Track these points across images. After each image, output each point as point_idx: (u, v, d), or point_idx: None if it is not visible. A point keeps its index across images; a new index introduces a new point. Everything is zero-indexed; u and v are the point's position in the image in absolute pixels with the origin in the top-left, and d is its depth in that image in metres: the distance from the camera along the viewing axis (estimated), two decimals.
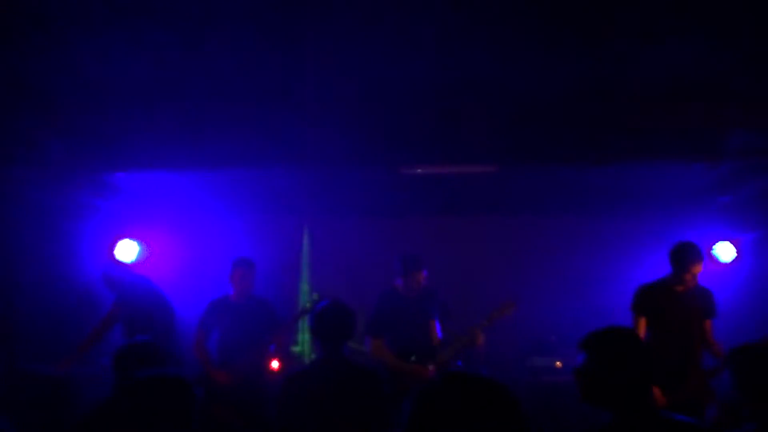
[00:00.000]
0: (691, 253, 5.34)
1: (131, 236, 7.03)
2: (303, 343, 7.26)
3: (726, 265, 6.99)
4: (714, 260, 6.99)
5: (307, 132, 5.71)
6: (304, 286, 7.79)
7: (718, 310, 5.49)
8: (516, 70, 5.26)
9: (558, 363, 6.74)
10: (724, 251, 6.98)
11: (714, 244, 7.01)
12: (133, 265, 6.88)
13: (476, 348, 5.70)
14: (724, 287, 6.84)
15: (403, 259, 5.82)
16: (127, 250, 6.93)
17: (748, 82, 5.43)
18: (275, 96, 5.65)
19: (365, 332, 5.80)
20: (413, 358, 5.59)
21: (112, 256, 6.87)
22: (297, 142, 5.75)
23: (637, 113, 5.66)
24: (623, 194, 6.95)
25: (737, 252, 6.97)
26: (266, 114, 5.71)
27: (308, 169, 6.15)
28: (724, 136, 5.68)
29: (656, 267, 5.80)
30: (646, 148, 5.73)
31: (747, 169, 6.17)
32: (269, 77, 5.41)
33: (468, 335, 5.66)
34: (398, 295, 5.88)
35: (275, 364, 6.55)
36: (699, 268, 5.34)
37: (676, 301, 5.42)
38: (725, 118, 5.65)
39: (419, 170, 6.22)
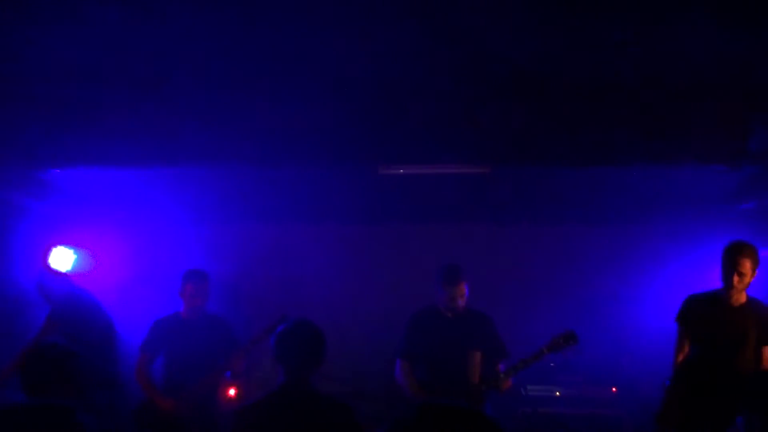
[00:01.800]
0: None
1: (69, 242, 6.79)
2: None
3: None
4: None
5: (276, 126, 5.58)
6: None
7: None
8: (516, 58, 5.11)
9: (557, 392, 6.56)
10: None
11: None
12: (71, 274, 6.58)
13: (500, 393, 5.49)
14: None
15: (441, 269, 5.61)
16: (62, 258, 6.66)
17: None
18: (241, 85, 5.46)
19: (395, 353, 5.65)
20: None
21: (47, 264, 6.56)
22: (265, 138, 5.62)
23: (648, 112, 5.55)
24: (633, 201, 6.76)
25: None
26: (229, 105, 5.54)
27: (278, 168, 6.01)
28: (745, 136, 5.54)
29: (669, 282, 5.74)
30: (658, 150, 5.61)
31: None
32: (235, 63, 5.21)
33: (493, 377, 5.44)
34: (437, 313, 5.65)
35: (232, 392, 6.40)
36: (749, 266, 5.05)
37: (730, 315, 5.13)
38: (746, 116, 5.53)
39: (401, 170, 6.06)
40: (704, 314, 5.22)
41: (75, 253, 6.82)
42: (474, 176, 6.30)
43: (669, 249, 6.39)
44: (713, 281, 6.43)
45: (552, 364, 6.65)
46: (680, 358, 5.29)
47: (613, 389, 6.35)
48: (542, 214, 7.23)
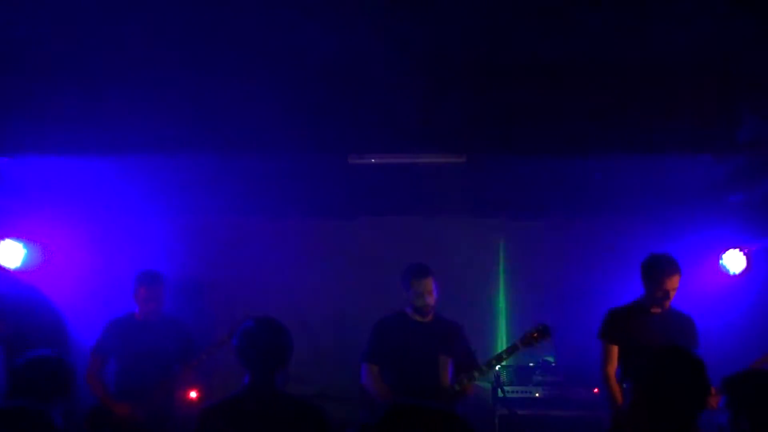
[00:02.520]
0: (664, 265, 5.30)
1: (15, 236, 6.60)
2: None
3: (735, 277, 6.75)
4: (722, 272, 6.74)
5: (239, 113, 5.47)
6: None
7: (699, 341, 5.36)
8: (499, 38, 5.07)
9: (537, 393, 6.45)
10: (734, 261, 6.74)
11: (722, 252, 6.76)
12: (18, 272, 6.52)
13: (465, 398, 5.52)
14: (733, 303, 6.66)
15: (407, 267, 5.62)
16: (9, 253, 6.52)
17: (761, 62, 5.29)
18: (201, 66, 5.34)
19: (361, 358, 5.64)
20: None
21: None
22: (226, 125, 5.51)
23: (633, 97, 5.49)
24: (619, 193, 6.72)
25: (748, 262, 6.72)
26: (190, 88, 5.42)
27: (240, 157, 5.91)
28: (732, 126, 5.50)
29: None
30: (644, 139, 5.56)
31: (762, 165, 5.93)
32: (192, 42, 5.12)
33: (466, 376, 5.47)
34: (405, 319, 5.66)
35: (193, 395, 6.33)
36: (674, 283, 5.27)
37: (652, 326, 5.32)
38: (734, 105, 5.49)
39: (373, 160, 5.98)
40: (631, 326, 5.40)
41: (24, 247, 6.65)
42: (449, 167, 6.15)
43: (656, 242, 6.15)
44: (699, 275, 6.52)
45: (531, 364, 6.57)
46: (610, 370, 5.41)
47: (596, 390, 6.19)
48: (522, 205, 7.16)
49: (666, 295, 5.31)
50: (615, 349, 5.42)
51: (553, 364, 6.62)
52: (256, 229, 7.39)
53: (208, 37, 5.07)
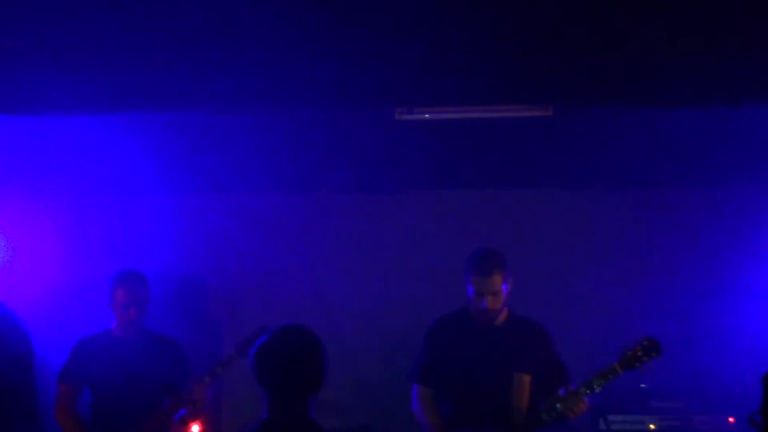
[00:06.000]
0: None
1: None
2: None
3: None
4: None
5: (262, 59, 5.40)
6: None
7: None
8: None
9: (651, 425, 6.36)
10: None
11: None
12: None
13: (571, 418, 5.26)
14: None
15: (470, 255, 5.42)
16: None
17: None
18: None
19: (408, 376, 5.52)
20: None
21: None
22: (246, 73, 5.46)
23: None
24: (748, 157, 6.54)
25: None
26: (191, 29, 5.26)
27: (260, 113, 6.00)
28: None
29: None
30: None
31: None
32: None
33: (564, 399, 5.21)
34: (468, 321, 5.44)
35: (195, 430, 6.20)
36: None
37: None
38: None
39: (426, 115, 5.96)
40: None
41: None
42: (528, 123, 6.15)
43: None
44: None
45: (642, 385, 6.34)
46: None
47: (731, 419, 6.15)
48: (620, 173, 7.08)
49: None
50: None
51: (672, 385, 6.35)
52: (270, 209, 7.23)
53: None
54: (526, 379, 5.35)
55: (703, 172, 6.93)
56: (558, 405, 5.19)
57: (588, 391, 5.18)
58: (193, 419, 6.09)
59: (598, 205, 7.20)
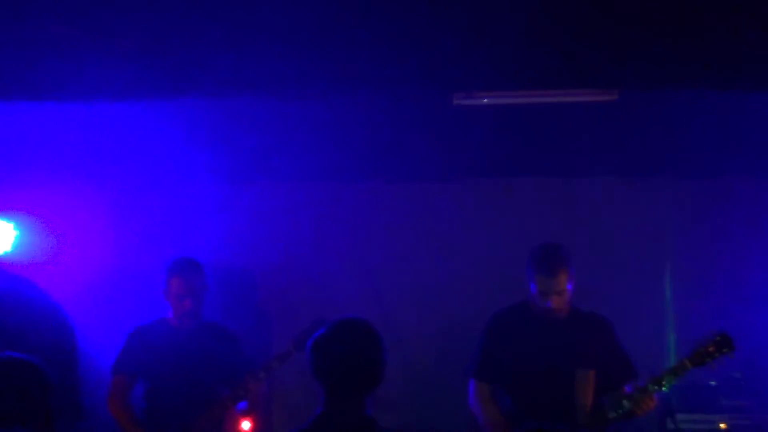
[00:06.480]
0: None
1: (3, 211, 6.62)
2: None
3: None
4: None
5: (314, 41, 5.18)
6: None
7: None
8: None
9: (722, 424, 6.28)
10: None
11: None
12: (9, 258, 6.59)
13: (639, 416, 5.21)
14: None
15: (533, 250, 5.40)
16: None
17: None
18: None
19: (466, 371, 5.51)
20: None
21: None
22: (300, 56, 5.32)
23: None
24: None
25: None
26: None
27: (308, 97, 5.91)
28: None
29: None
30: None
31: None
32: None
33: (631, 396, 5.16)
34: (529, 315, 5.42)
35: (246, 427, 6.34)
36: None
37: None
38: None
39: (485, 100, 5.87)
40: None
41: (15, 227, 6.70)
42: (593, 108, 6.06)
43: None
44: None
45: (712, 383, 6.32)
46: None
47: None
48: (696, 160, 6.95)
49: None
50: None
51: (743, 382, 6.34)
52: (323, 198, 7.27)
53: None
54: (591, 375, 5.33)
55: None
56: (625, 402, 5.15)
57: (656, 388, 5.13)
58: (246, 414, 6.18)
59: (660, 193, 7.20)
